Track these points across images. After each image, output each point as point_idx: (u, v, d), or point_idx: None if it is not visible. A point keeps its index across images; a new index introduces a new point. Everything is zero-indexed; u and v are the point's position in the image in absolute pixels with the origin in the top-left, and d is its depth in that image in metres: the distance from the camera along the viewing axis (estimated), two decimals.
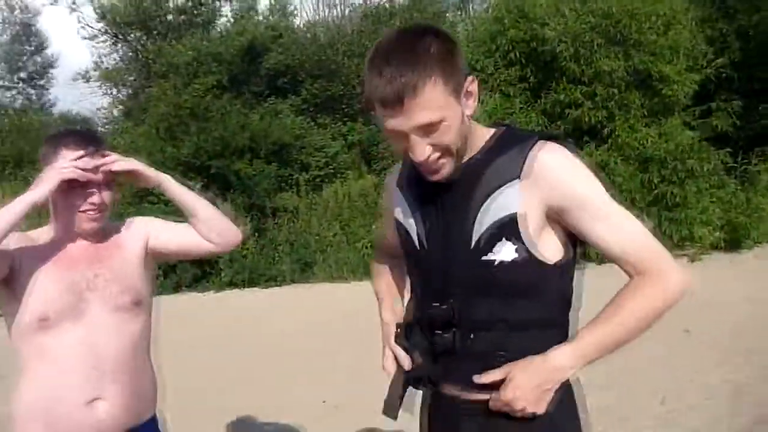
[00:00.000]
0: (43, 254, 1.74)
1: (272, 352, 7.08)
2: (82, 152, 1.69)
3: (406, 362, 1.45)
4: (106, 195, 1.75)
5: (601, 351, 1.30)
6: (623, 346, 1.32)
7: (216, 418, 4.77)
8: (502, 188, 1.30)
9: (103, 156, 1.72)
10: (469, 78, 1.29)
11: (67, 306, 1.70)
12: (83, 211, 1.73)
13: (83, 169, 1.67)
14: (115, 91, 20.51)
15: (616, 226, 1.30)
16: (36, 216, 1.72)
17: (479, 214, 1.31)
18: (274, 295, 11.42)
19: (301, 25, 18.67)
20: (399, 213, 1.49)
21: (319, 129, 14.99)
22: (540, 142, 1.31)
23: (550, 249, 1.32)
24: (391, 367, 1.50)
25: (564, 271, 1.36)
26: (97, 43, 20.31)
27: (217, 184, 13.52)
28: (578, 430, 1.44)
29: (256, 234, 13.20)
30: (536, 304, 1.34)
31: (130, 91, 19.91)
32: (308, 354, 6.84)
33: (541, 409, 1.31)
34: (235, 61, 15.81)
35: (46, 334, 1.70)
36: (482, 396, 1.37)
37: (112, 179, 1.76)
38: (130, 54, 20.04)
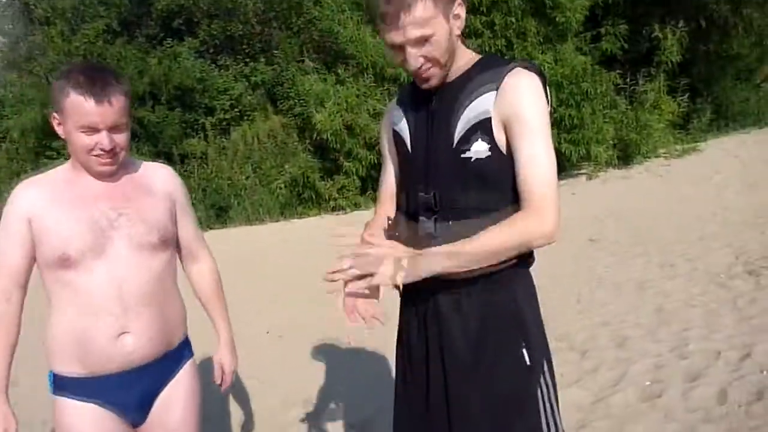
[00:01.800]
0: (60, 195, 1.77)
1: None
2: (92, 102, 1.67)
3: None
4: (119, 138, 1.75)
5: (460, 261, 1.49)
6: (487, 263, 1.50)
7: None
8: (481, 96, 1.53)
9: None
10: (457, 1, 1.52)
11: (89, 244, 1.74)
12: (96, 156, 1.74)
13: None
14: None
15: (537, 151, 1.51)
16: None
17: (461, 117, 1.55)
18: None
19: None
20: (396, 123, 1.73)
21: (221, 71, 14.57)
22: (518, 68, 1.54)
23: (506, 146, 1.55)
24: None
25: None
26: None
27: None
28: (538, 317, 1.69)
29: None
30: (502, 194, 1.55)
31: (8, 41, 18.50)
32: (239, 289, 6.98)
33: (377, 272, 1.48)
34: (124, 3, 14.98)
35: (69, 272, 1.74)
36: (454, 277, 1.56)
37: (125, 122, 1.76)
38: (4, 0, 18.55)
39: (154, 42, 14.67)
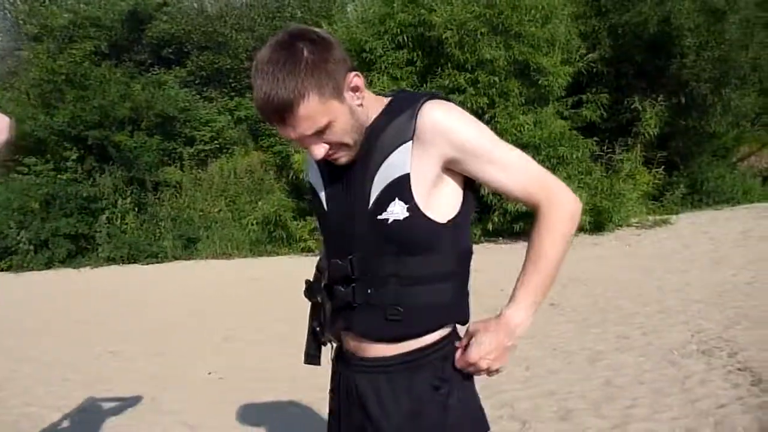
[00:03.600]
0: None
1: (153, 327, 6.98)
2: None
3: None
4: None
5: (544, 292, 1.46)
6: (554, 279, 1.46)
7: (93, 391, 4.70)
8: (395, 151, 1.39)
9: None
10: (351, 74, 1.37)
11: None
12: None
13: None
14: None
15: (509, 167, 1.42)
16: None
17: (376, 176, 1.41)
18: (156, 271, 11.14)
19: None
20: (311, 177, 1.58)
21: (206, 102, 14.64)
22: (428, 103, 1.41)
23: (443, 205, 1.44)
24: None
25: (459, 226, 1.47)
26: None
27: (94, 155, 12.95)
28: (471, 393, 1.55)
29: (137, 209, 12.81)
30: (430, 260, 1.43)
31: None
32: (190, 328, 6.80)
33: (503, 364, 1.47)
34: (116, 27, 15.10)
35: None
36: (376, 353, 1.49)
37: None
38: None
39: (142, 68, 14.74)
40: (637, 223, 11.13)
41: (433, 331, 1.48)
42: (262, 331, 6.43)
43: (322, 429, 3.76)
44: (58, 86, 12.90)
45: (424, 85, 10.91)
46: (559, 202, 1.43)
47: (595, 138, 11.10)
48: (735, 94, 12.30)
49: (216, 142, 14.23)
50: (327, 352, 1.63)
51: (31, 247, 11.82)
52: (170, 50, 15.34)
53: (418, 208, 1.40)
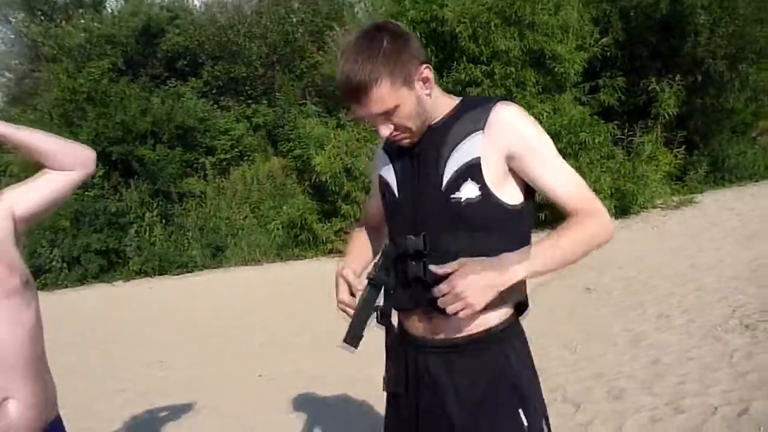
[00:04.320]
0: None
1: (193, 335, 7.11)
2: None
3: (355, 281, 1.66)
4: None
5: (547, 266, 1.49)
6: (558, 268, 1.52)
7: (149, 400, 4.82)
8: (467, 138, 1.53)
9: None
10: (422, 67, 1.52)
11: None
12: None
13: None
14: None
15: (561, 172, 1.55)
16: None
17: (449, 161, 1.54)
18: (187, 281, 11.30)
19: (198, 6, 18.22)
20: (382, 169, 1.73)
21: (223, 112, 14.80)
22: (501, 102, 1.56)
23: (509, 194, 1.55)
24: (346, 297, 1.69)
25: (523, 214, 1.59)
26: None
27: (119, 170, 13.15)
28: (534, 375, 1.66)
29: (164, 221, 12.98)
30: (496, 240, 1.53)
31: (14, 76, 18.79)
32: (230, 334, 6.93)
33: (479, 306, 1.42)
34: (130, 43, 15.30)
35: None
36: (446, 334, 1.59)
37: None
38: (12, 36, 18.91)
39: (158, 81, 14.93)
40: (662, 204, 11.11)
41: (499, 308, 1.58)
42: (300, 333, 6.55)
43: (377, 424, 3.87)
44: (80, 105, 13.11)
45: (441, 80, 10.96)
46: (600, 217, 1.54)
47: (614, 122, 11.08)
48: (752, 69, 12.21)
49: (236, 150, 14.39)
50: (373, 341, 1.69)
51: (64, 265, 12.02)
52: (185, 62, 15.52)
53: (489, 190, 1.52)
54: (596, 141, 10.53)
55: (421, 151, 1.61)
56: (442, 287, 1.44)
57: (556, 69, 10.64)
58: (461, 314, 1.43)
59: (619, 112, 11.67)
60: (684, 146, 11.92)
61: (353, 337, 1.62)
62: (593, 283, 6.56)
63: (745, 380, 3.71)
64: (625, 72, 11.71)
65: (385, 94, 1.47)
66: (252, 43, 14.89)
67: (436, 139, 1.58)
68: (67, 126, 12.97)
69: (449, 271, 1.46)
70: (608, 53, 11.74)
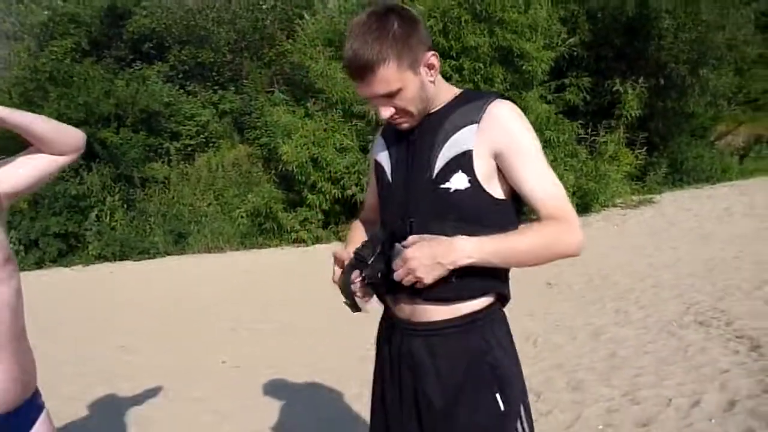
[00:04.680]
0: None
1: (156, 321, 7.05)
2: None
3: (345, 255, 1.66)
4: None
5: (498, 256, 1.51)
6: (517, 264, 1.55)
7: (113, 385, 4.78)
8: (462, 129, 1.57)
9: None
10: (429, 53, 1.55)
11: None
12: None
13: None
14: None
15: (543, 177, 1.57)
16: None
17: (442, 150, 1.58)
18: (148, 267, 11.16)
19: None
20: (378, 154, 1.76)
21: (189, 97, 14.58)
22: (499, 99, 1.59)
23: (497, 188, 1.59)
24: (337, 273, 1.70)
25: (509, 208, 1.63)
26: None
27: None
28: (515, 361, 1.70)
29: (126, 205, 12.78)
30: (483, 231, 1.54)
31: None
32: (193, 320, 6.88)
33: (428, 280, 1.46)
34: (95, 23, 14.96)
35: None
36: (430, 317, 1.63)
37: None
38: None
39: (123, 64, 14.65)
40: (622, 203, 11.38)
41: (481, 297, 1.63)
42: (263, 321, 6.54)
43: (345, 409, 3.92)
44: (41, 84, 12.80)
45: None
46: (569, 228, 1.54)
47: (579, 121, 11.27)
48: (712, 75, 12.58)
49: (201, 136, 14.21)
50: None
51: (21, 248, 11.76)
52: (151, 45, 15.24)
53: (478, 182, 1.56)
54: (560, 139, 10.72)
55: (416, 138, 1.64)
56: (397, 261, 1.49)
57: (523, 67, 10.77)
58: (407, 285, 1.49)
59: (583, 112, 11.88)
60: (645, 147, 12.21)
61: (351, 305, 1.66)
62: (554, 278, 6.70)
63: (698, 373, 3.86)
64: (590, 72, 11.92)
65: (390, 76, 1.49)
66: (220, 28, 14.70)
67: (433, 127, 1.61)
68: (27, 106, 12.62)
69: (408, 244, 1.51)
70: (575, 53, 11.94)
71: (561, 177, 10.30)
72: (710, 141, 15.02)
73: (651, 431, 3.21)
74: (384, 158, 1.74)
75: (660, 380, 3.84)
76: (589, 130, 11.66)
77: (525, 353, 4.57)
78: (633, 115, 11.54)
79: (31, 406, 1.74)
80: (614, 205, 11.28)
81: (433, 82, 1.59)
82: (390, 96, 1.53)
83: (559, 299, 6.04)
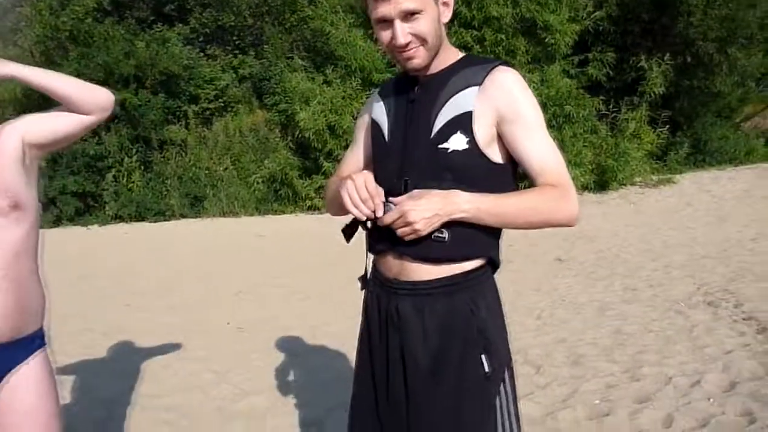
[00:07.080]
0: None
1: (166, 282, 7.11)
2: None
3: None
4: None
5: (491, 213, 1.50)
6: (509, 225, 1.53)
7: (116, 340, 4.83)
8: (463, 91, 1.54)
9: None
10: None
11: None
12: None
13: None
14: None
15: (543, 146, 1.54)
16: None
17: (442, 110, 1.55)
18: (163, 228, 11.25)
19: None
20: (375, 112, 1.72)
21: (209, 60, 14.54)
22: (503, 65, 1.56)
23: (495, 153, 1.56)
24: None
25: (508, 171, 1.60)
26: None
27: None
28: (502, 325, 1.66)
29: (143, 167, 12.85)
30: (475, 190, 1.51)
31: None
32: (202, 282, 6.94)
33: (423, 230, 1.47)
34: None
35: None
36: (419, 276, 1.60)
37: None
38: None
39: (144, 25, 14.59)
40: (640, 181, 11.22)
41: (472, 259, 1.59)
42: (271, 285, 6.57)
43: (344, 372, 3.93)
44: (62, 43, 12.82)
45: None
46: (566, 195, 1.52)
47: (600, 97, 11.09)
48: (741, 54, 12.27)
49: (220, 100, 14.19)
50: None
51: (39, 206, 11.90)
52: (172, 7, 15.18)
53: (477, 144, 1.52)
54: (581, 115, 10.56)
55: (417, 98, 1.61)
56: (393, 212, 1.48)
57: (546, 39, 10.60)
58: (406, 238, 1.48)
59: (606, 88, 11.69)
60: (667, 126, 12.00)
61: (348, 234, 1.67)
62: (565, 254, 6.65)
63: (702, 353, 3.81)
64: (615, 48, 11.70)
65: None
66: None
67: (434, 87, 1.58)
68: (47, 64, 12.66)
69: (397, 202, 1.50)
70: (600, 27, 11.69)
71: (579, 153, 10.35)
72: (736, 122, 14.70)
73: (648, 409, 3.18)
74: (382, 117, 1.70)
75: (662, 358, 3.80)
76: (611, 106, 11.48)
77: (527, 326, 4.56)
78: (657, 92, 11.33)
79: (29, 344, 1.77)
80: (633, 184, 11.13)
81: (446, 24, 1.57)
82: (412, 15, 1.49)
83: (567, 275, 5.99)
